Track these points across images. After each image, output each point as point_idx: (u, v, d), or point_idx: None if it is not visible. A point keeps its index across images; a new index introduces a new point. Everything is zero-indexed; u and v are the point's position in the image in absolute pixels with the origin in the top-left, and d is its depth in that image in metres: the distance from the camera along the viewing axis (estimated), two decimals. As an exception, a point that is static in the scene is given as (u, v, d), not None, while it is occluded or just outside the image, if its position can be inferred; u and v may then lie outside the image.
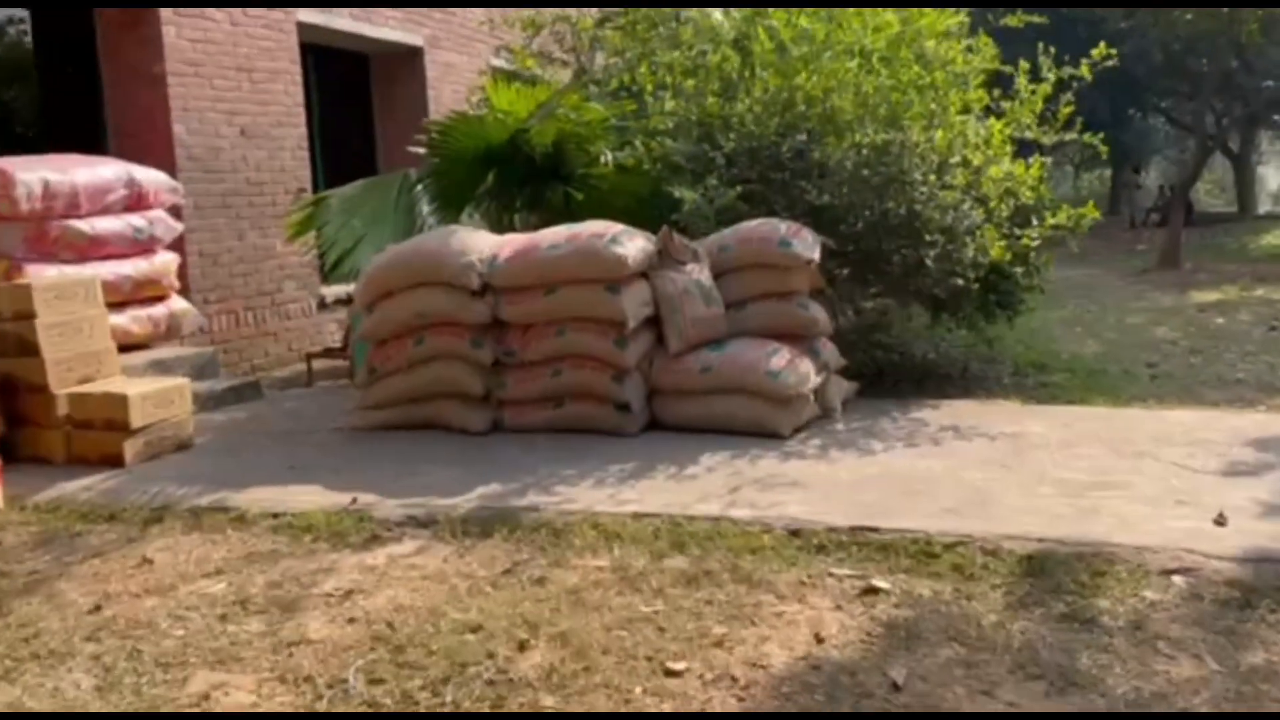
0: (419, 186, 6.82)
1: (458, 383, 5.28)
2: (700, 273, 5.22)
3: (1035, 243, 5.93)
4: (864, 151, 5.72)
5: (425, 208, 6.82)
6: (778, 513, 3.72)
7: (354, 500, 4.06)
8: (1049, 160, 6.47)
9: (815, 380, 5.04)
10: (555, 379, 5.14)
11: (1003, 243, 5.72)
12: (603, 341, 5.01)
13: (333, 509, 3.99)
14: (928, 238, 5.58)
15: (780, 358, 4.96)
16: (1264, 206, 31.96)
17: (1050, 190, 6.37)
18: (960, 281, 5.66)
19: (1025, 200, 6.04)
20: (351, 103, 9.79)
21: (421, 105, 9.85)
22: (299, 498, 4.17)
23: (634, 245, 5.07)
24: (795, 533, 3.52)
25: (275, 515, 3.97)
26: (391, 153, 10.01)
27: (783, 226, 5.32)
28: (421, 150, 6.84)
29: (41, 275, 5.66)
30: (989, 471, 4.19)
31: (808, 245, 5.28)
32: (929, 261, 5.57)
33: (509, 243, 5.35)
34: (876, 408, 5.41)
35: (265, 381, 7.43)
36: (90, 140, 7.16)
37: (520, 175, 6.70)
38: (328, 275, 7.40)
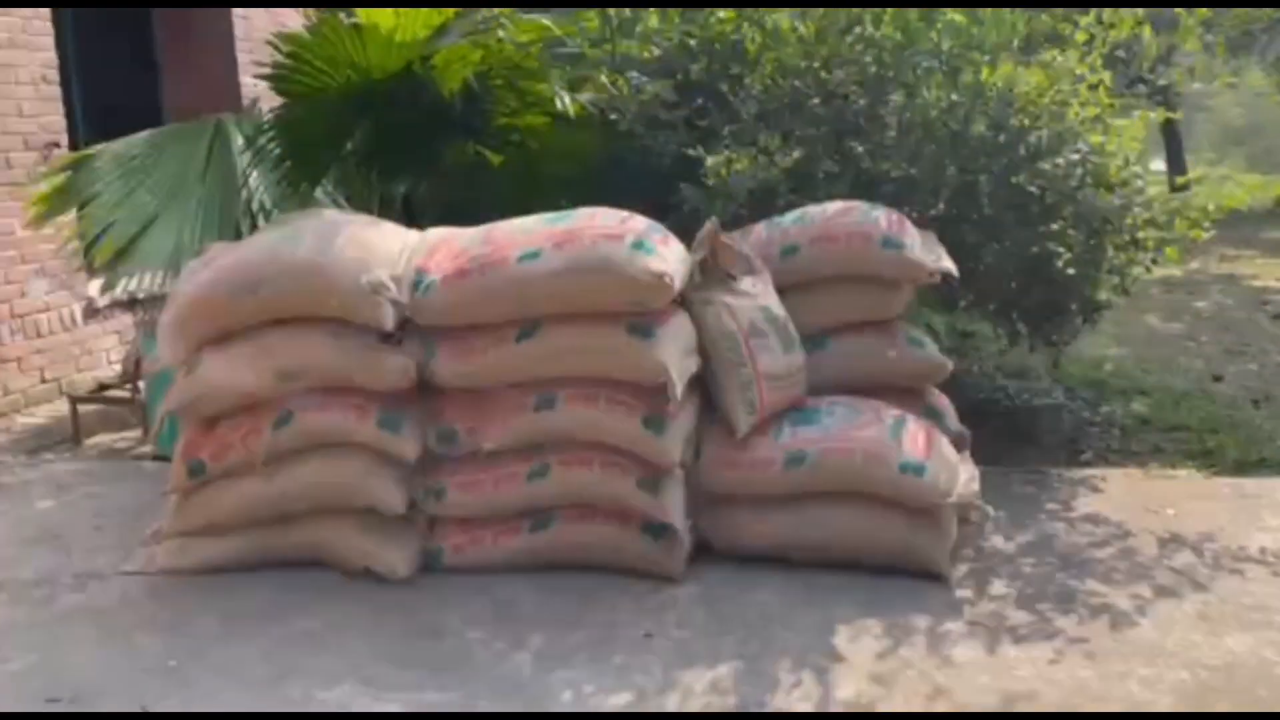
0: (256, 141, 4.36)
1: (356, 491, 3.03)
2: (766, 294, 3.18)
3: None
4: (956, 99, 3.82)
5: (256, 176, 4.41)
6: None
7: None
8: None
9: (969, 474, 3.11)
10: (536, 483, 2.99)
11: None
12: (623, 419, 2.90)
13: None
14: (1057, 226, 3.78)
15: (912, 437, 3.00)
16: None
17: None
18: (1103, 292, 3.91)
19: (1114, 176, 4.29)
20: (121, 25, 6.97)
21: (225, 28, 7.17)
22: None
23: (674, 253, 2.97)
24: None
25: None
26: (183, 90, 7.29)
27: (880, 217, 3.34)
28: (257, 79, 4.42)
29: None
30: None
31: (926, 246, 3.34)
32: (1061, 261, 3.76)
33: (441, 246, 3.12)
34: (1002, 489, 3.55)
35: (2, 443, 4.82)
36: None
37: (412, 127, 4.39)
38: (96, 267, 4.80)
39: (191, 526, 3.16)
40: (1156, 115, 5.91)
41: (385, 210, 4.69)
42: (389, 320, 2.92)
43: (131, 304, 5.99)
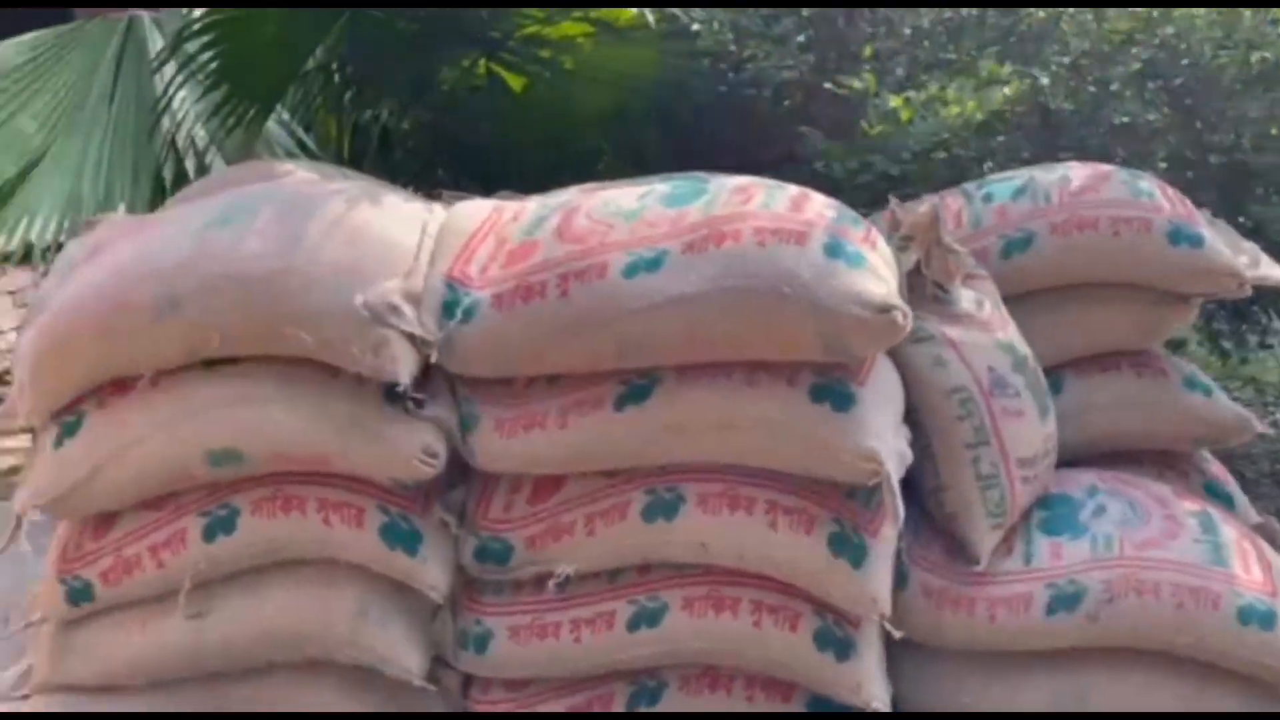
0: (181, 48, 3.04)
1: (341, 643, 1.80)
2: (1002, 321, 1.99)
3: None
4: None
5: (188, 102, 3.10)
6: None
7: None
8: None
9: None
10: (642, 632, 1.78)
11: None
12: (793, 535, 1.71)
13: None
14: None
15: (1241, 555, 1.88)
16: None
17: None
18: None
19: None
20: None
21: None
22: None
23: (887, 261, 1.77)
24: None
25: None
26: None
27: (1157, 192, 2.16)
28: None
29: None
30: None
31: (1228, 241, 2.16)
32: None
33: (486, 237, 1.87)
34: None
35: None
36: None
37: (401, 33, 3.09)
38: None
39: (75, 679, 1.95)
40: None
41: (358, 151, 3.46)
42: (403, 369, 1.70)
43: (27, 254, 4.65)
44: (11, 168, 3.34)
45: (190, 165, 3.25)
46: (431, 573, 1.81)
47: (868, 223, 1.82)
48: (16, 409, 1.91)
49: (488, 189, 2.44)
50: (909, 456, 1.76)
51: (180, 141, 3.27)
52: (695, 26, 2.94)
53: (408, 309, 1.73)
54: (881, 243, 1.80)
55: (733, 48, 2.94)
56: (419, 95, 3.41)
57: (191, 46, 2.87)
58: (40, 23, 3.76)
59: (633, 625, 1.81)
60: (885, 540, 1.77)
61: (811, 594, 1.76)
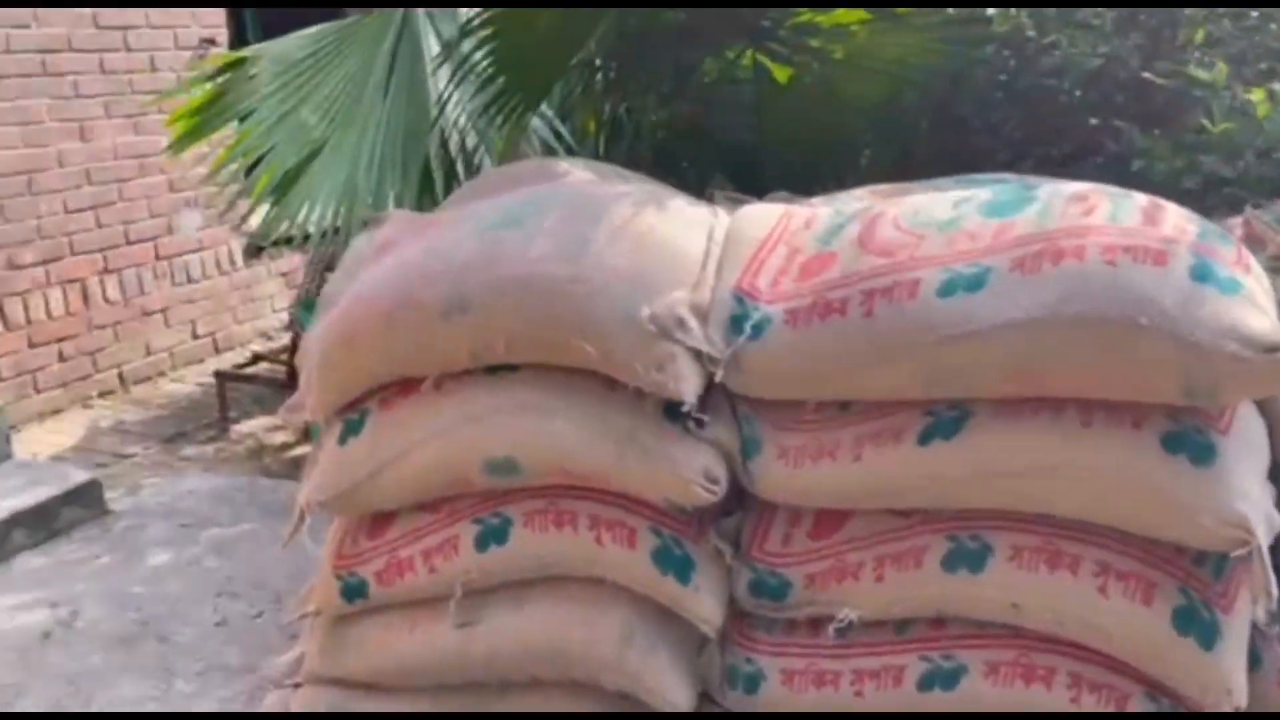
0: (458, 46, 3.09)
1: (604, 665, 1.73)
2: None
3: None
4: None
5: (457, 96, 3.13)
6: None
7: None
8: None
9: None
10: (934, 693, 1.62)
11: None
12: (1128, 606, 1.47)
13: None
14: None
15: None
16: None
17: None
18: None
19: None
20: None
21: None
22: None
23: (1266, 289, 1.50)
24: None
25: None
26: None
27: None
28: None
29: None
30: None
31: None
32: None
33: (776, 246, 1.73)
34: None
35: (137, 422, 3.86)
36: None
37: (666, 26, 3.00)
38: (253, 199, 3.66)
39: (345, 673, 1.97)
40: None
41: (612, 146, 3.39)
42: (688, 387, 1.59)
43: (304, 238, 4.94)
44: (294, 157, 3.47)
45: (460, 167, 3.29)
46: (705, 604, 1.69)
47: (1237, 240, 1.54)
48: (304, 402, 1.93)
49: (742, 185, 2.30)
50: (1278, 521, 1.48)
51: (448, 139, 3.32)
52: (990, 11, 2.67)
53: (694, 323, 1.61)
54: (1255, 265, 1.51)
55: (1031, 34, 2.65)
56: (679, 89, 3.31)
57: (467, 44, 2.88)
58: (321, 18, 3.94)
59: (924, 685, 1.62)
60: (1240, 617, 1.49)
61: (1145, 674, 1.51)
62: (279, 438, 3.77)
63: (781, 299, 1.63)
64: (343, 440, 1.86)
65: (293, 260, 5.14)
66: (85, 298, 4.08)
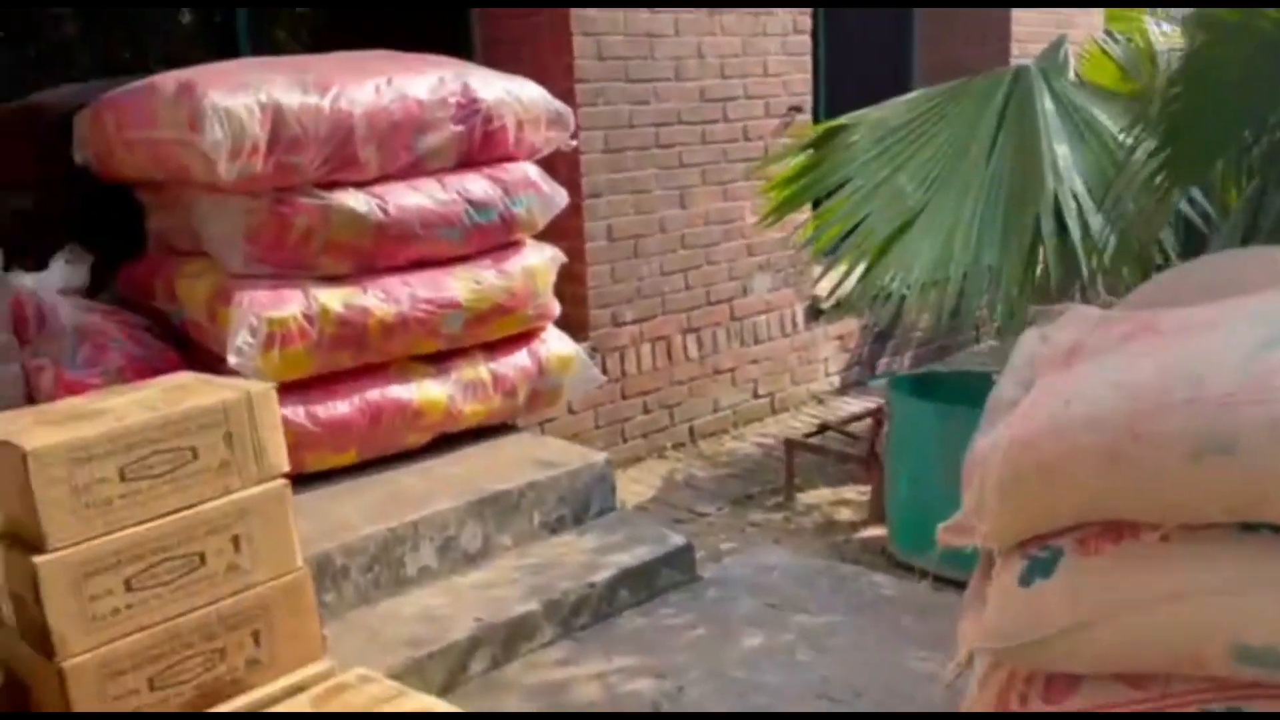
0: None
1: None
2: None
3: None
4: None
5: (1063, 154, 2.77)
6: None
7: None
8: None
9: None
10: None
11: None
12: None
13: None
14: None
15: None
16: None
17: None
18: None
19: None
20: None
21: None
22: None
23: None
24: None
25: None
26: (942, 44, 5.93)
27: None
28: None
29: (270, 313, 2.59)
30: None
31: None
32: None
33: None
34: None
35: (707, 479, 3.95)
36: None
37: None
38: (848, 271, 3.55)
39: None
40: None
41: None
42: None
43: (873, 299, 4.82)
44: (887, 227, 3.33)
45: (1074, 231, 2.90)
46: None
47: None
48: (971, 525, 1.68)
49: None
50: None
51: (1061, 206, 2.96)
52: None
53: None
54: None
55: None
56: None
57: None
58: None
59: None
60: None
61: None
62: (844, 513, 3.62)
63: None
64: (1026, 581, 1.56)
65: (847, 324, 5.07)
66: (669, 354, 4.31)
